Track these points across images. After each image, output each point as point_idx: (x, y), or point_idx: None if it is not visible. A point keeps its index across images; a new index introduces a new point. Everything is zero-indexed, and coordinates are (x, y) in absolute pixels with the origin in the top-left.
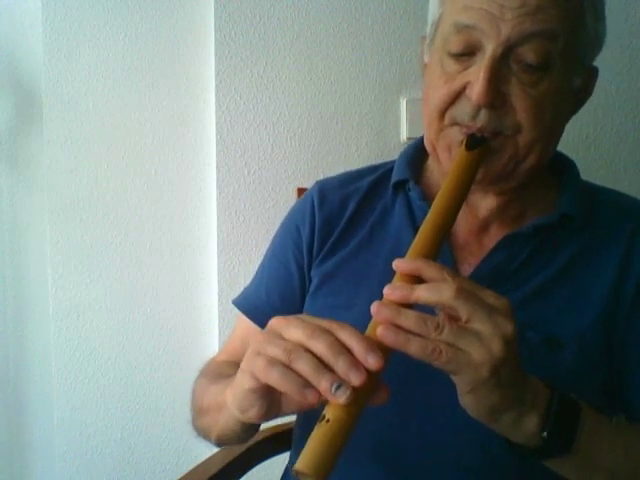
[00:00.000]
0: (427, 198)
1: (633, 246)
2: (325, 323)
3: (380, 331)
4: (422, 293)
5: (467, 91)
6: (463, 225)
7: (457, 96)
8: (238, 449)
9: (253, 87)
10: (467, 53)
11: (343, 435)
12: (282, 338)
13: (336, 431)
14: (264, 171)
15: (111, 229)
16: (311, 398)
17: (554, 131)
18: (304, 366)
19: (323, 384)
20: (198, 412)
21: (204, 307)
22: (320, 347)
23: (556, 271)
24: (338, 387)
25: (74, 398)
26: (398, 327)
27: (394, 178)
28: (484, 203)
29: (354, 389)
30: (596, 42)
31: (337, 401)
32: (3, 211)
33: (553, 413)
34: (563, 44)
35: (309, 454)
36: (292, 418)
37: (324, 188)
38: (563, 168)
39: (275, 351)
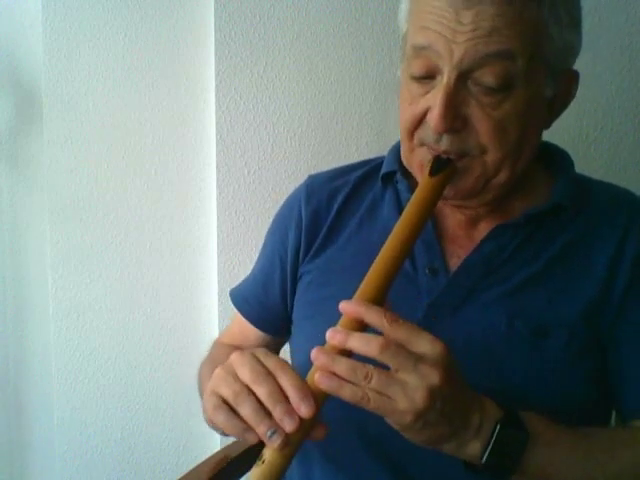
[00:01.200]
0: (414, 190)
1: (626, 238)
2: (272, 364)
3: (316, 377)
4: (354, 343)
5: (428, 116)
6: (452, 219)
7: (421, 119)
8: (238, 449)
9: (253, 87)
10: (428, 76)
11: (276, 474)
12: (235, 376)
13: (271, 472)
14: (264, 171)
15: (111, 229)
16: (251, 440)
17: (524, 145)
18: (246, 411)
19: (260, 429)
20: (202, 395)
21: (204, 307)
22: (261, 392)
23: (547, 261)
24: (273, 433)
25: (74, 398)
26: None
27: (383, 170)
28: (468, 210)
29: (288, 434)
30: (569, 50)
31: (272, 445)
32: (3, 211)
33: (495, 442)
34: (525, 62)
35: None
36: None
37: (313, 183)
38: (554, 160)
39: (225, 392)
